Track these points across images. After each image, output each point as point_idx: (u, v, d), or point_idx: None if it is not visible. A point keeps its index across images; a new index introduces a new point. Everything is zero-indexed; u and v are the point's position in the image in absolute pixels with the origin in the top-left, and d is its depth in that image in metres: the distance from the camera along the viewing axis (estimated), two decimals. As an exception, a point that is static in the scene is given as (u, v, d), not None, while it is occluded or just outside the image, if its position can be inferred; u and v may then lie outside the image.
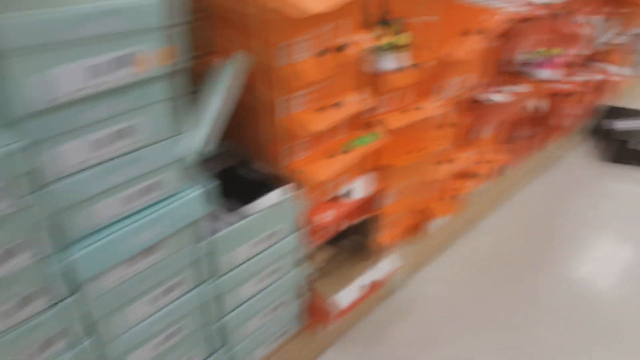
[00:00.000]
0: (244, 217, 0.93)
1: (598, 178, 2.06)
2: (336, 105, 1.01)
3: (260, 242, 0.97)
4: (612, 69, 2.01)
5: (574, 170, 2.10)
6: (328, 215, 1.09)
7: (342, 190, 1.13)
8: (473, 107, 1.42)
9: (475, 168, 1.54)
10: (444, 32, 1.21)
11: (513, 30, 1.31)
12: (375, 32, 1.02)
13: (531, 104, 1.66)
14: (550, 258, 1.67)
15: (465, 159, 1.46)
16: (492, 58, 1.37)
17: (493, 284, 1.57)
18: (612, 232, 1.79)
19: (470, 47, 1.19)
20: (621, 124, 2.19)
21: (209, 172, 1.01)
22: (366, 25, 0.99)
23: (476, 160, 1.54)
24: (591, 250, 1.71)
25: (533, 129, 1.79)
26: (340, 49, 0.93)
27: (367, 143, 1.08)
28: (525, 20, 1.29)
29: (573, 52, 1.74)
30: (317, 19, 0.88)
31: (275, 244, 1.01)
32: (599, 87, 1.98)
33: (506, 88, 1.49)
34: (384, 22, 1.04)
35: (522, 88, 1.50)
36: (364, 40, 0.96)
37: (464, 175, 1.54)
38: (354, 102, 1.04)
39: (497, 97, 1.41)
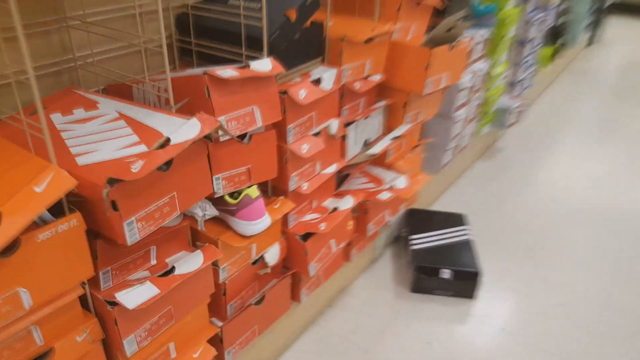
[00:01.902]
0: None
1: (388, 320, 1.60)
2: None
3: None
4: (389, 176, 1.60)
5: (357, 311, 1.62)
6: None
7: None
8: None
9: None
10: None
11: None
12: None
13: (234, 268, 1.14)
14: None
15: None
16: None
17: None
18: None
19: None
20: (417, 241, 1.79)
21: None
22: None
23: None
24: None
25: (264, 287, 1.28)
26: None
27: None
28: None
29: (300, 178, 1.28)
30: None
31: None
32: (372, 206, 1.55)
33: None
34: None
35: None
36: None
37: None
38: None
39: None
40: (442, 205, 2.26)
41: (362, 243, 1.66)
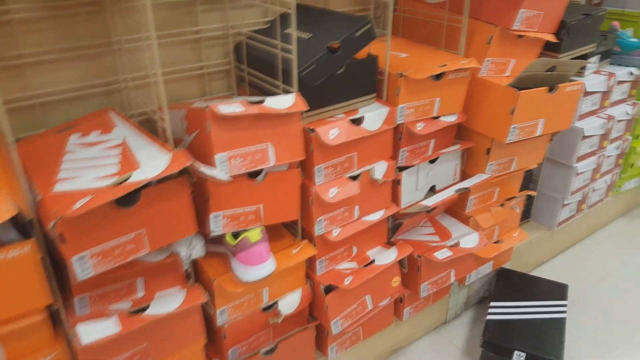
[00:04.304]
0: None
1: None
2: None
3: None
4: (459, 231, 1.34)
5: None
6: None
7: None
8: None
9: None
10: None
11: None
12: None
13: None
14: None
15: None
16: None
17: None
18: None
19: None
20: (498, 310, 1.48)
21: None
22: None
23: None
24: None
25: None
26: None
27: None
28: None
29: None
30: None
31: None
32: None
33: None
34: None
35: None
36: None
37: None
38: None
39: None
40: (553, 268, 1.87)
41: (421, 302, 1.42)
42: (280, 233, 1.17)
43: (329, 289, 1.13)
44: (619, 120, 1.82)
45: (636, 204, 2.27)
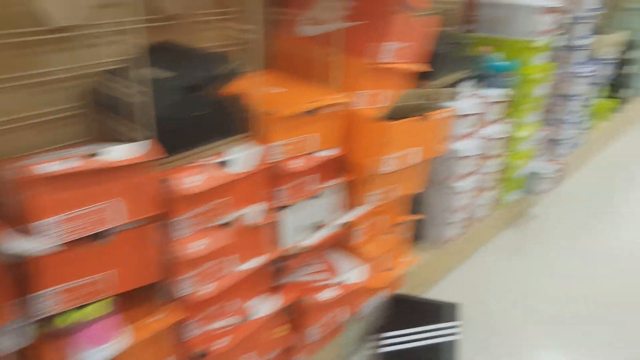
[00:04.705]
0: None
1: None
2: None
3: None
4: (346, 266, 1.28)
5: None
6: None
7: None
8: None
9: None
10: None
11: None
12: None
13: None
14: None
15: None
16: None
17: None
18: None
19: None
20: (391, 340, 1.43)
21: None
22: None
23: None
24: None
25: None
26: None
27: None
28: None
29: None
30: None
31: None
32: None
33: None
34: None
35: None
36: None
37: None
38: None
39: None
40: (447, 286, 1.87)
41: (313, 345, 1.33)
42: (141, 298, 1.01)
43: (199, 356, 1.00)
44: (496, 139, 1.88)
45: (519, 214, 2.38)
